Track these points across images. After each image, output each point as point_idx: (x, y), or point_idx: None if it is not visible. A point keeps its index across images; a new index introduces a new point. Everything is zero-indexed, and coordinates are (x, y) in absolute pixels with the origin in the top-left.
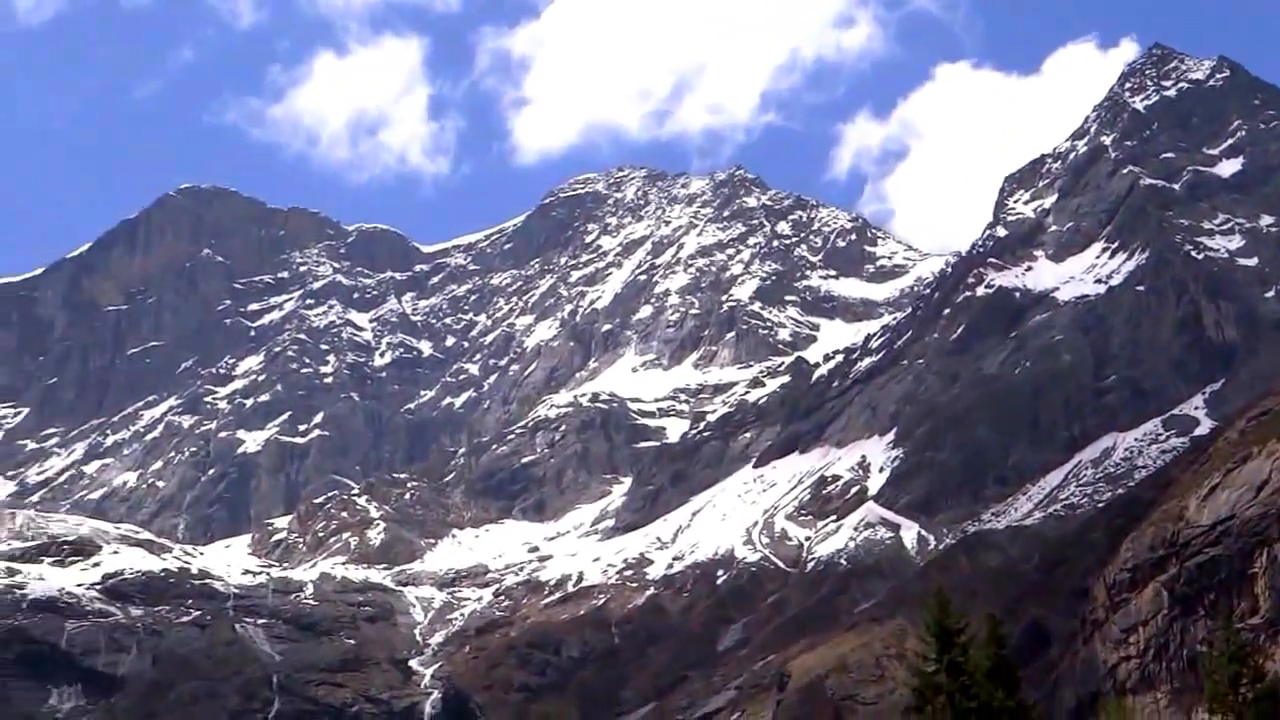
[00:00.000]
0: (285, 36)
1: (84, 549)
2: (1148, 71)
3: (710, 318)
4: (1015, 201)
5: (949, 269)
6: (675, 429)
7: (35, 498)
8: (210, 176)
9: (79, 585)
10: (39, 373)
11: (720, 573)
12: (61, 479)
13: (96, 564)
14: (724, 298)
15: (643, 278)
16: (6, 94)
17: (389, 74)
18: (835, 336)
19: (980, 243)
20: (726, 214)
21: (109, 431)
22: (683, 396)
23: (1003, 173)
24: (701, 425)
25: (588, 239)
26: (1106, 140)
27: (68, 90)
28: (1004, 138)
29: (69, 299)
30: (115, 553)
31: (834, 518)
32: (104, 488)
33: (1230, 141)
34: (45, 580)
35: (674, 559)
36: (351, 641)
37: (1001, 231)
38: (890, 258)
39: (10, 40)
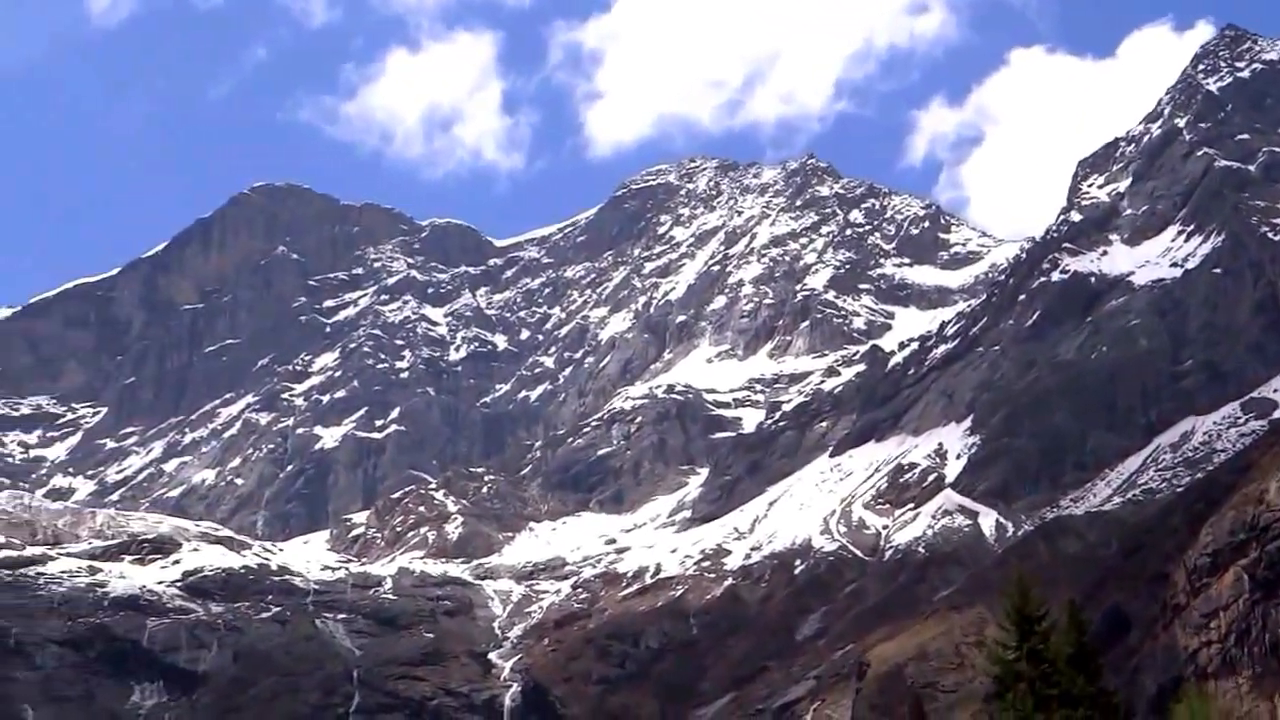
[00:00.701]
0: (358, 34)
1: (164, 547)
2: (1221, 53)
3: (784, 307)
4: (1089, 186)
5: (1023, 255)
6: (751, 419)
7: (115, 496)
8: (285, 175)
9: (160, 583)
10: (117, 372)
11: (798, 562)
12: (141, 478)
13: (177, 561)
14: (798, 287)
15: (716, 268)
16: (81, 96)
17: (462, 69)
18: (910, 324)
19: (1054, 228)
20: (799, 203)
21: (187, 430)
22: (758, 386)
23: (1078, 157)
24: (777, 415)
25: (660, 230)
26: (1180, 123)
27: (142, 91)
28: (1079, 122)
29: (146, 298)
30: (195, 550)
31: (911, 506)
32: (183, 485)
33: None
34: (126, 578)
35: (751, 549)
36: (431, 635)
37: (1076, 216)
38: (964, 244)
39: (85, 43)
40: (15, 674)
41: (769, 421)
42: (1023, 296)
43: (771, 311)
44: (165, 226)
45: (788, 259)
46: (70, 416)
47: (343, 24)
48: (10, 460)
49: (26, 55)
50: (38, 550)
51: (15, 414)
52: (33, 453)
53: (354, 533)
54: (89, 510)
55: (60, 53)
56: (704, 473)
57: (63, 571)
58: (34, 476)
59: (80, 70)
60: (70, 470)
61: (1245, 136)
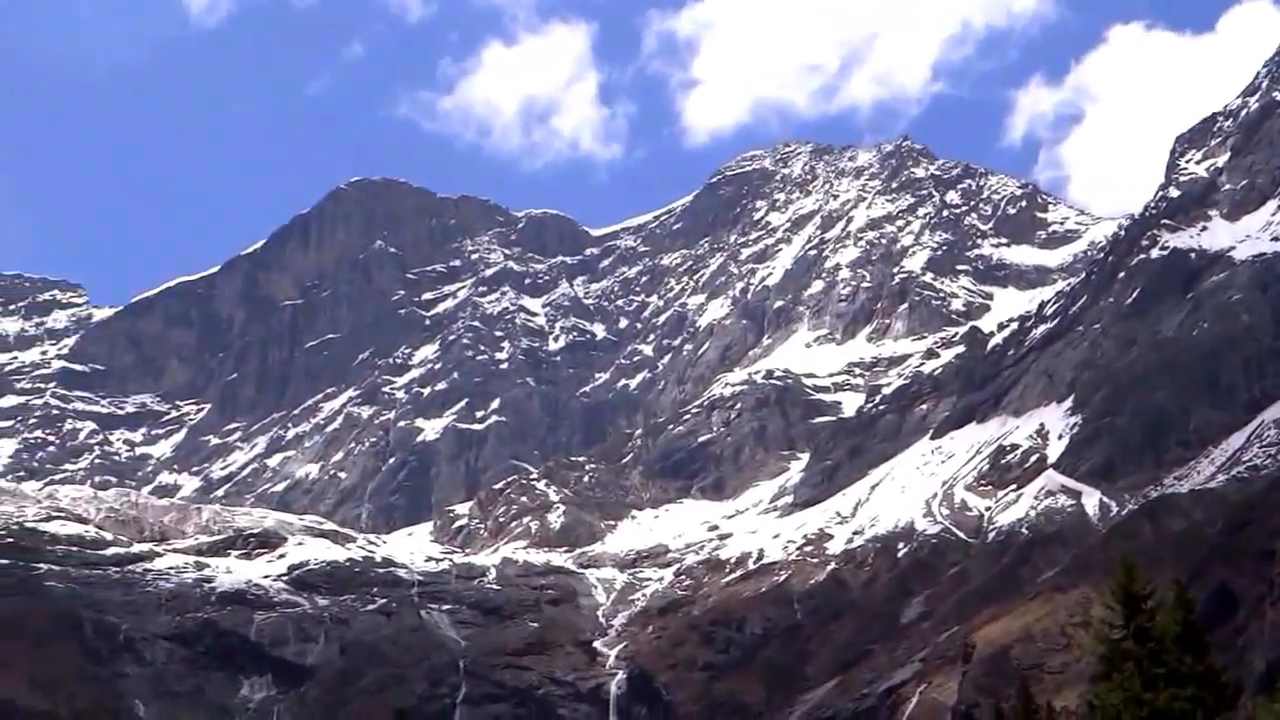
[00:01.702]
0: (454, 28)
1: (269, 541)
2: None
3: (882, 290)
4: (1187, 161)
5: (1122, 232)
6: (851, 403)
7: (220, 492)
8: (383, 170)
9: (266, 577)
10: (219, 369)
11: (901, 545)
12: (245, 473)
13: (282, 555)
14: (895, 270)
15: (813, 253)
16: (181, 97)
17: (558, 61)
18: (1009, 304)
19: (1153, 204)
20: (895, 185)
21: (290, 424)
22: (857, 370)
23: (1178, 133)
24: (877, 398)
25: (756, 216)
26: (1279, 95)
27: (240, 91)
28: (1179, 98)
29: (246, 295)
30: (300, 544)
31: (1014, 487)
32: (287, 480)
33: None
34: (233, 573)
35: (854, 533)
36: (535, 625)
37: (1174, 192)
38: (1062, 223)
39: (184, 44)
40: (126, 670)
41: (869, 405)
42: (1122, 274)
43: (869, 295)
44: (265, 223)
45: (884, 242)
46: (174, 414)
47: (439, 19)
48: (116, 458)
49: (127, 58)
50: (145, 547)
51: (121, 412)
52: (138, 450)
53: (457, 524)
54: (195, 506)
55: (160, 55)
56: (805, 458)
57: (170, 567)
58: (140, 474)
59: (180, 71)
60: (175, 467)
61: None
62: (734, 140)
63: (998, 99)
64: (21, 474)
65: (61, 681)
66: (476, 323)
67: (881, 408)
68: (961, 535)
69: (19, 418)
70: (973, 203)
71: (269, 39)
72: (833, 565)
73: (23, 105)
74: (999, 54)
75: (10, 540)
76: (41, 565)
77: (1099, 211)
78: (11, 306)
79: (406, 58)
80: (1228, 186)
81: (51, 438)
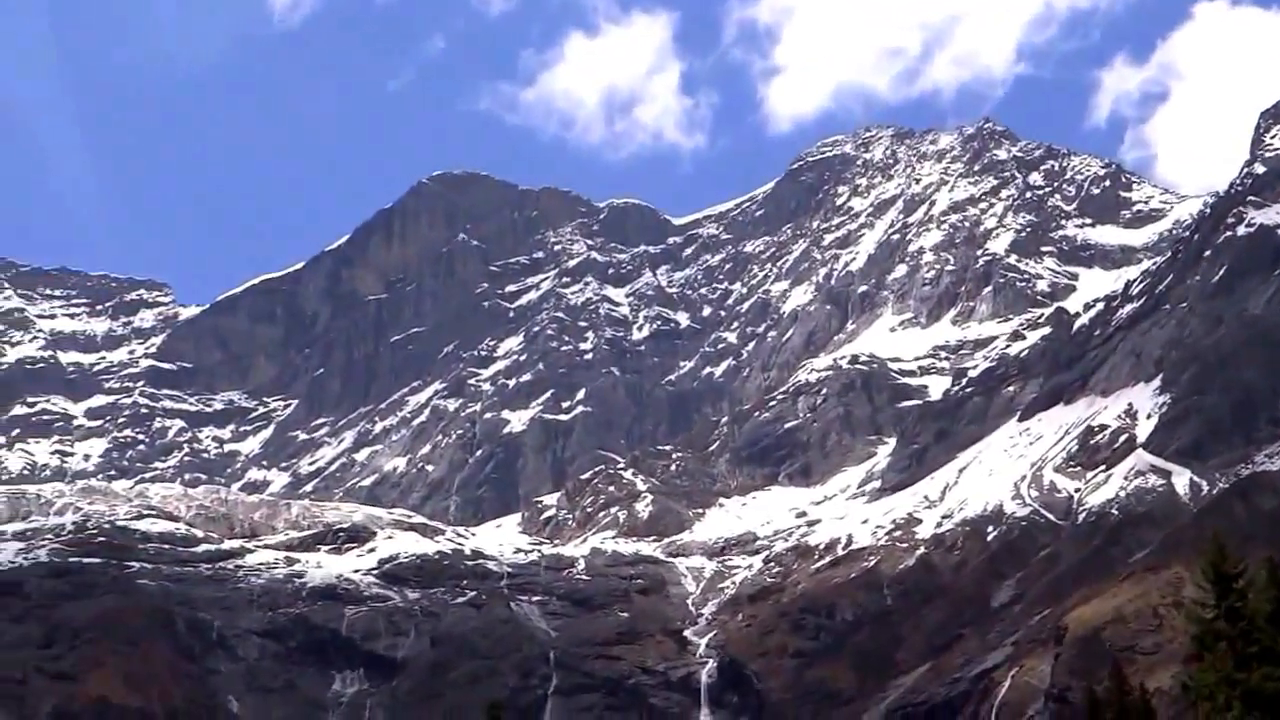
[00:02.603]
0: (535, 20)
1: (359, 535)
2: None
3: (966, 273)
4: (1272, 137)
5: (1207, 210)
6: (937, 386)
7: (309, 487)
8: (466, 164)
9: (356, 571)
10: (305, 365)
11: (990, 529)
12: (333, 468)
13: (372, 549)
14: (979, 252)
15: (896, 237)
16: (265, 96)
17: (639, 51)
18: (1094, 285)
19: (1238, 181)
20: (977, 168)
21: (377, 419)
22: (943, 354)
23: (1263, 109)
24: (963, 381)
25: (838, 201)
26: None
27: (323, 88)
28: (1266, 74)
29: (331, 291)
30: (389, 538)
31: (1103, 468)
32: (375, 474)
33: None
34: (323, 568)
35: (943, 517)
36: (625, 614)
37: (1260, 169)
38: (1146, 202)
39: (268, 43)
40: (219, 666)
41: (955, 388)
42: (1208, 252)
43: (953, 278)
44: (348, 219)
45: (968, 224)
46: (262, 410)
47: (520, 11)
48: (205, 455)
49: (210, 58)
50: (236, 543)
51: (209, 410)
52: (227, 447)
53: (545, 515)
54: (284, 502)
55: (243, 54)
56: (891, 442)
57: (261, 563)
58: (229, 471)
59: (263, 70)
60: (264, 463)
61: None
62: (816, 127)
63: (1082, 79)
64: (112, 473)
65: (155, 678)
66: (560, 314)
67: (968, 390)
68: (1051, 517)
69: (108, 417)
70: (1056, 184)
71: (350, 36)
72: (922, 550)
73: (107, 107)
74: (1083, 33)
75: (103, 539)
76: (134, 563)
77: (1187, 189)
78: (99, 307)
79: (487, 51)
80: None
81: (141, 436)
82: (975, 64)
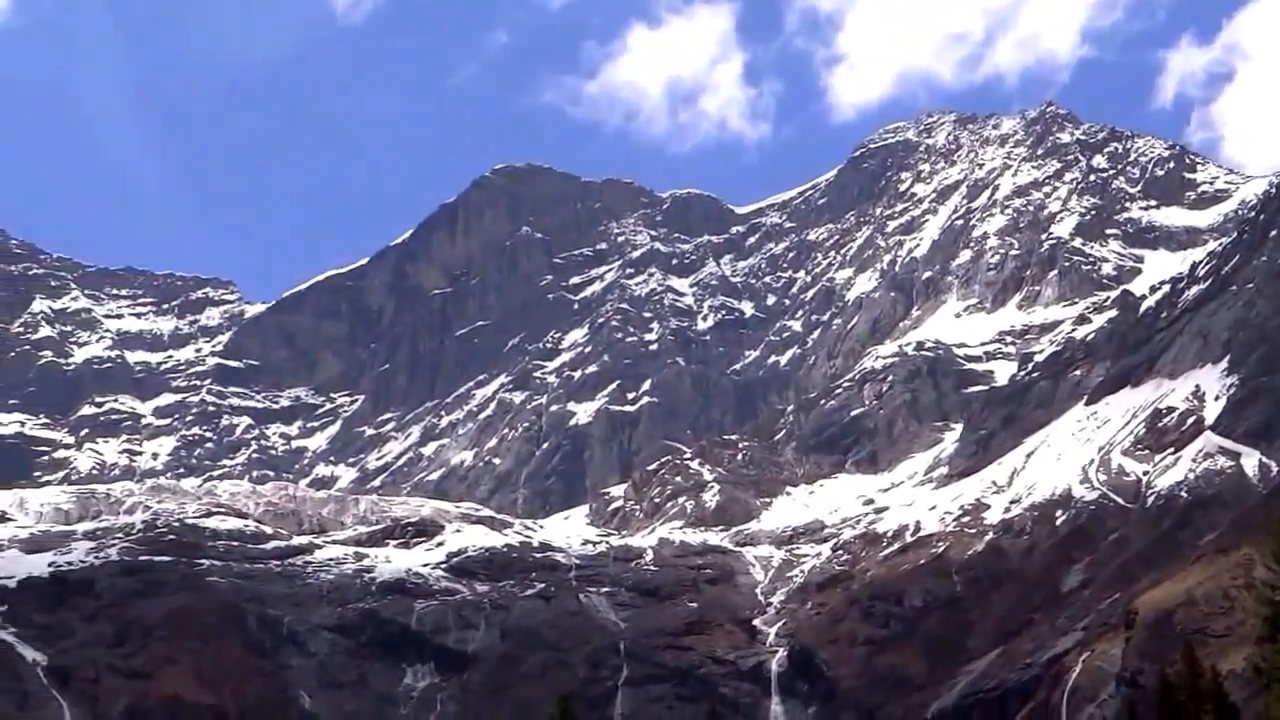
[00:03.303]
0: (597, 12)
1: (427, 529)
2: None
3: (1031, 257)
4: None
5: (1273, 190)
6: (1003, 372)
7: (376, 482)
8: (528, 158)
9: (425, 565)
10: (371, 360)
11: (1059, 513)
12: (400, 462)
13: (440, 543)
14: (1044, 236)
15: (960, 222)
16: (329, 92)
17: (702, 42)
18: (1160, 267)
19: None
20: (1040, 152)
21: (443, 413)
22: (1008, 338)
23: None
24: (1030, 366)
25: (901, 187)
26: None
27: (386, 84)
28: None
29: (395, 286)
30: (458, 531)
31: (1171, 450)
32: (442, 468)
33: None
34: (392, 562)
35: (1011, 502)
36: (694, 604)
37: None
38: (1211, 183)
39: (331, 41)
40: (290, 662)
41: (1022, 373)
42: (1274, 232)
43: (1018, 262)
44: (411, 214)
45: (1032, 208)
46: (328, 406)
47: (582, 3)
48: (273, 452)
49: (273, 56)
50: (304, 539)
51: (276, 407)
52: (294, 444)
53: (612, 506)
54: (352, 497)
55: (306, 52)
56: (958, 428)
57: (330, 559)
58: (297, 467)
59: (326, 67)
60: (332, 459)
61: None
62: (880, 114)
63: (1147, 61)
64: (181, 471)
65: (227, 675)
66: (625, 305)
67: (1034, 375)
68: (1120, 500)
69: (176, 415)
70: (1120, 166)
71: (413, 31)
72: (990, 535)
73: (171, 106)
74: (1148, 14)
75: (173, 537)
76: (204, 561)
77: (1253, 169)
78: (165, 306)
79: (550, 44)
80: None
81: (209, 434)
82: (1039, 48)
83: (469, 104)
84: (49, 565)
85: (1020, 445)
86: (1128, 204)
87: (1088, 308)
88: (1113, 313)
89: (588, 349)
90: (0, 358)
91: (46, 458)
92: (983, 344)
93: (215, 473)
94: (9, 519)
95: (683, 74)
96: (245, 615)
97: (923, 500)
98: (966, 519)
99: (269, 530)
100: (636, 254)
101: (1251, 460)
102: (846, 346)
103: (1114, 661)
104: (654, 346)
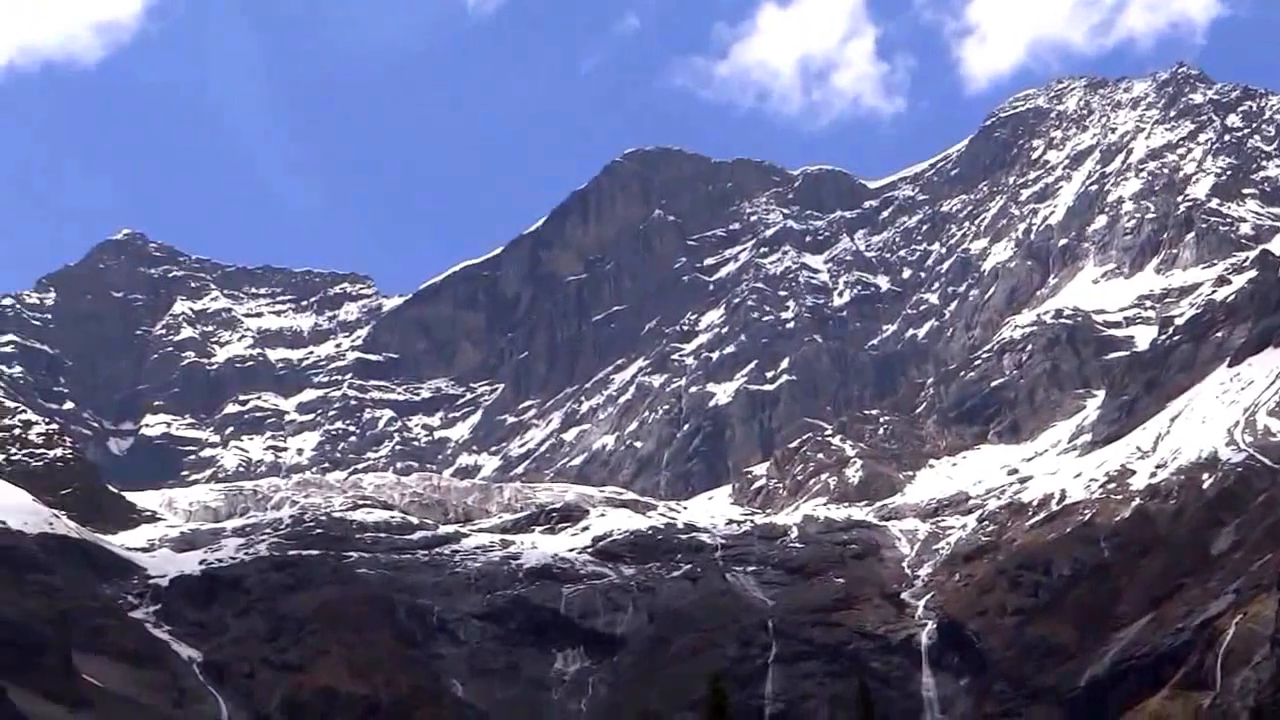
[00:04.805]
0: None
1: (572, 514)
2: None
3: (1168, 220)
4: None
5: None
6: (1144, 336)
7: (519, 470)
8: (660, 143)
9: (571, 550)
10: (510, 349)
11: (1205, 476)
12: (542, 449)
13: (585, 528)
14: (1179, 198)
15: (1094, 188)
16: (460, 84)
17: (833, 19)
18: None
19: None
20: (1173, 113)
21: (583, 398)
22: (1148, 303)
23: None
24: (1170, 330)
25: (1034, 155)
26: None
27: (516, 73)
28: None
29: (531, 274)
30: (602, 515)
31: None
32: (584, 453)
33: None
34: (538, 548)
35: (1156, 467)
36: (841, 580)
37: None
38: None
39: (462, 34)
40: (442, 651)
41: (1162, 337)
42: None
43: (1155, 226)
44: (544, 201)
45: (1166, 171)
46: (469, 396)
47: None
48: (416, 443)
49: (404, 51)
50: (451, 528)
51: (417, 398)
52: (437, 434)
53: (755, 485)
54: (496, 485)
55: (437, 45)
56: (1100, 395)
57: (477, 547)
58: (440, 457)
59: (457, 59)
60: (474, 448)
61: None
62: (1013, 83)
63: None
64: (326, 465)
65: (379, 666)
66: (760, 284)
67: (1175, 339)
68: (1267, 461)
69: (320, 411)
70: (1254, 124)
71: (543, 20)
72: (1137, 501)
73: (302, 104)
74: None
75: (321, 531)
76: (352, 553)
77: None
78: (304, 303)
79: (680, 26)
80: None
81: (352, 428)
82: (1171, 9)
83: (600, 91)
84: (200, 563)
85: (1163, 410)
86: (1264, 162)
87: (1227, 269)
88: (1252, 273)
89: (724, 329)
90: (144, 360)
91: (193, 457)
92: (1121, 309)
93: (360, 466)
94: (159, 519)
95: (814, 52)
96: (395, 606)
97: (1067, 468)
98: (1112, 485)
99: (415, 521)
100: (769, 232)
101: None
102: (984, 317)
103: (1267, 624)
104: (790, 324)
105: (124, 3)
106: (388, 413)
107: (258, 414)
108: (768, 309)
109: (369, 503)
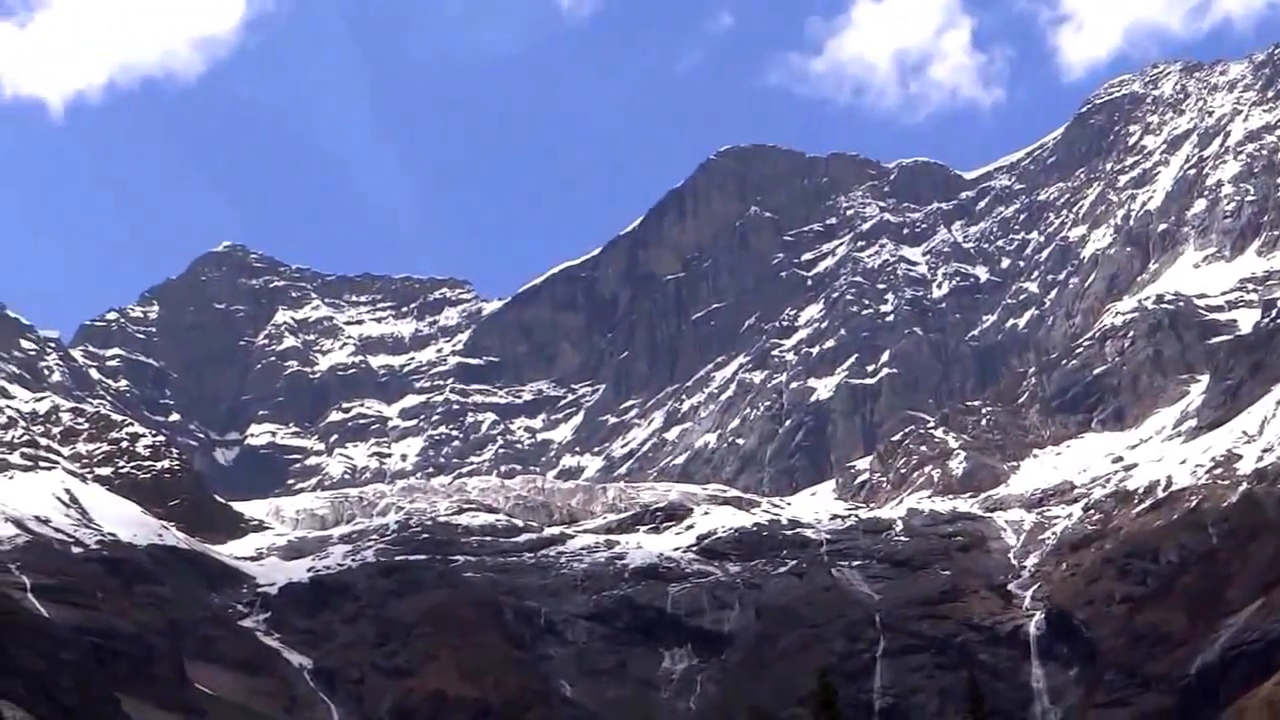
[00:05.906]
0: None
1: (676, 513)
2: None
3: (1268, 202)
4: None
5: None
6: (1246, 320)
7: (623, 470)
8: (757, 140)
9: (675, 549)
10: (610, 349)
11: None
12: (645, 449)
13: (690, 526)
14: (1279, 180)
15: (1192, 172)
16: (555, 87)
17: (928, 11)
18: None
19: None
20: (1270, 95)
21: (684, 396)
22: (1250, 286)
23: None
24: (1274, 312)
25: (1130, 141)
26: None
27: (612, 75)
28: None
29: (629, 274)
30: (706, 513)
31: None
32: (687, 451)
33: None
34: (643, 548)
35: (1263, 451)
36: (947, 573)
37: None
38: None
39: (558, 39)
40: (550, 652)
41: (1266, 319)
42: None
43: (1255, 208)
44: (640, 201)
45: (1265, 152)
46: (571, 397)
47: None
48: (519, 446)
49: (502, 55)
50: (556, 530)
51: (519, 401)
52: (539, 437)
53: (859, 479)
54: (600, 486)
55: (533, 49)
56: (1204, 379)
57: (582, 548)
58: (543, 459)
59: (552, 62)
60: (577, 449)
61: None
62: (1110, 70)
63: None
64: (430, 470)
65: (489, 668)
66: (858, 278)
67: (1279, 322)
68: None
69: (422, 416)
70: None
71: (638, 21)
72: (1244, 486)
73: (399, 111)
74: None
75: (427, 535)
76: (459, 557)
77: None
78: (404, 309)
79: (774, 23)
80: None
81: (455, 432)
82: None
83: (695, 90)
84: (308, 570)
85: (1269, 393)
86: None
87: None
88: None
89: (824, 324)
90: (248, 370)
91: (299, 465)
92: (1224, 293)
93: (464, 470)
94: (267, 527)
95: (909, 45)
96: (502, 608)
97: (1172, 454)
98: (1219, 470)
99: (520, 523)
100: (866, 226)
101: None
102: (1085, 304)
103: None
104: (890, 317)
105: (223, 18)
106: (490, 416)
107: (361, 421)
108: (866, 302)
109: (474, 506)
